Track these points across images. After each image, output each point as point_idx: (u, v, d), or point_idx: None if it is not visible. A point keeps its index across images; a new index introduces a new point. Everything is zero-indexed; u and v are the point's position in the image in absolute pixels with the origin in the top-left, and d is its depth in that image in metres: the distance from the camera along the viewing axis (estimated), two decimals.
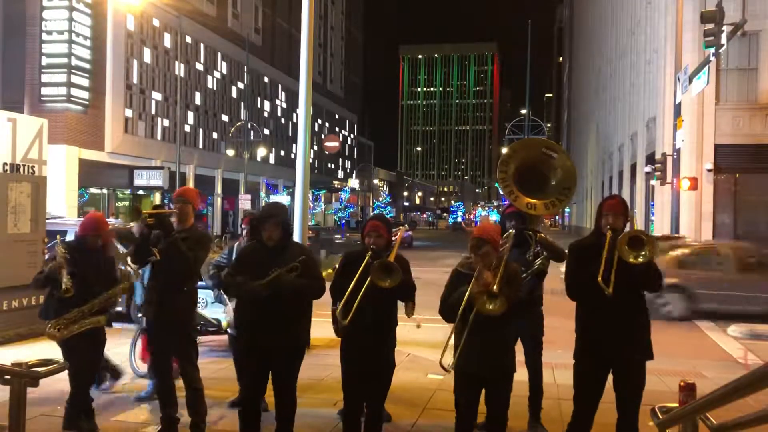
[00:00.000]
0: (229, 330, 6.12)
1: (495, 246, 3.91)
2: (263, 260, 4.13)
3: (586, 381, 4.01)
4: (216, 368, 6.92)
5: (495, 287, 3.66)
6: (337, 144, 54.51)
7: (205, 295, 7.89)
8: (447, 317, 3.94)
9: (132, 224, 4.71)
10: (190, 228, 4.74)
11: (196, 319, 5.07)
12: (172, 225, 4.58)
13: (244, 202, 35.04)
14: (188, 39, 36.91)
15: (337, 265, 4.84)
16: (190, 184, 36.48)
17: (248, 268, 4.18)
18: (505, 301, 3.66)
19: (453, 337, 3.95)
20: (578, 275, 3.98)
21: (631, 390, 3.91)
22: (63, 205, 24.84)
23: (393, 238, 4.40)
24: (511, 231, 4.90)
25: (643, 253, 3.71)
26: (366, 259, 4.08)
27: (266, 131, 47.50)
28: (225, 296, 6.43)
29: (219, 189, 41.34)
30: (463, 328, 3.85)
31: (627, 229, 4.02)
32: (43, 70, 27.16)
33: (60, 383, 4.83)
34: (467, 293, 3.76)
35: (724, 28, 16.37)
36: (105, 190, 31.89)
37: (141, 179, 32.31)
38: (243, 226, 6.11)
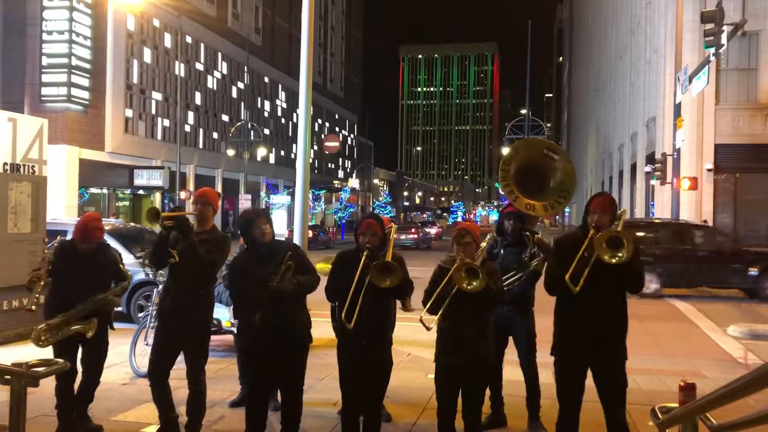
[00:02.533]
0: (235, 330, 6.10)
1: (476, 239, 4.07)
2: (257, 264, 4.14)
3: (564, 378, 4.03)
4: (216, 368, 6.92)
5: (475, 263, 3.82)
6: (337, 144, 54.52)
7: None
8: (425, 303, 4.06)
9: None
10: (210, 230, 4.70)
11: (212, 322, 5.05)
12: (191, 227, 4.53)
13: (245, 202, 35.03)
14: (188, 39, 36.91)
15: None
16: (190, 184, 36.50)
17: (244, 275, 4.19)
18: (485, 279, 3.76)
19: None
20: (557, 271, 3.99)
21: (610, 391, 3.92)
22: (63, 205, 24.85)
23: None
24: (492, 234, 4.97)
25: (620, 254, 3.67)
26: (363, 260, 4.04)
27: (266, 131, 47.51)
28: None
29: (219, 189, 41.26)
30: (443, 317, 3.97)
31: (612, 227, 4.01)
32: (43, 70, 27.18)
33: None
34: (447, 276, 3.87)
35: (724, 28, 16.38)
36: (105, 190, 31.90)
37: (141, 179, 32.32)
38: None
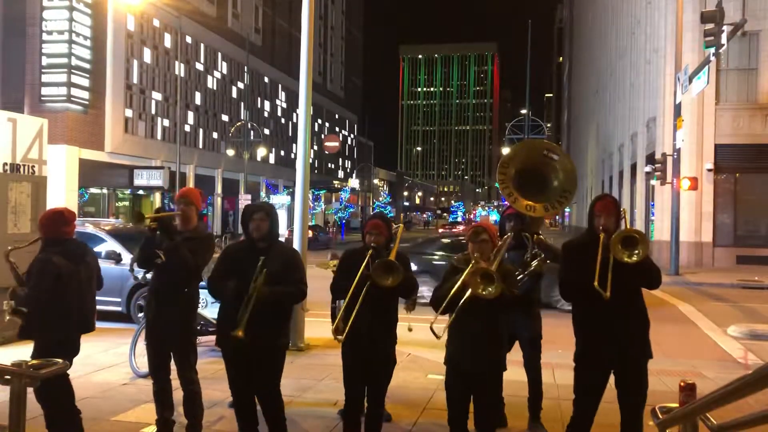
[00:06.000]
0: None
1: (492, 237, 3.98)
2: (249, 261, 4.04)
3: (586, 383, 3.98)
4: (216, 368, 6.92)
5: (491, 268, 3.71)
6: (337, 144, 54.53)
7: (205, 295, 7.88)
8: (436, 307, 3.95)
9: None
10: (193, 229, 4.70)
11: (196, 321, 5.04)
12: (175, 227, 4.56)
13: (244, 202, 35.04)
14: (188, 39, 36.90)
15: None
16: (190, 184, 36.47)
17: (234, 267, 4.13)
18: (501, 285, 3.64)
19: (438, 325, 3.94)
20: (572, 276, 3.97)
21: (634, 391, 3.90)
22: (63, 205, 24.85)
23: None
24: (510, 234, 4.92)
25: (636, 251, 3.70)
26: (366, 258, 4.08)
27: (266, 131, 47.49)
28: None
29: (219, 189, 41.33)
30: (453, 320, 3.86)
31: (621, 227, 4.01)
32: (43, 70, 27.16)
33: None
34: (460, 280, 3.76)
35: (724, 28, 16.38)
36: (105, 190, 31.89)
37: (141, 179, 32.31)
38: None
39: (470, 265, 3.81)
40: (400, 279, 3.94)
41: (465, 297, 3.73)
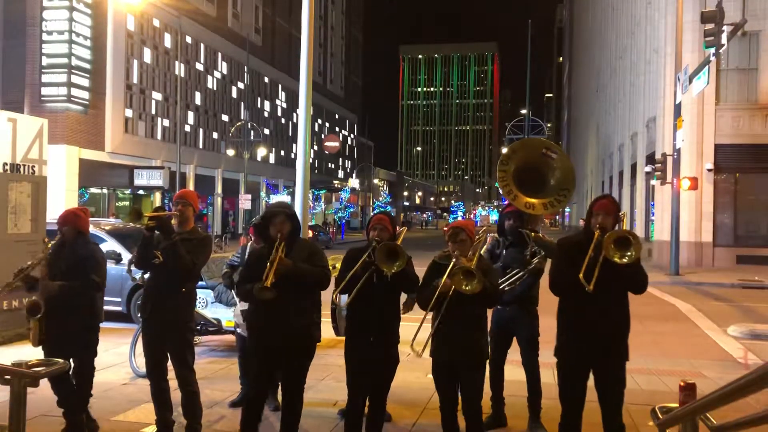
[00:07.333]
0: (238, 330, 6.09)
1: (470, 236, 4.14)
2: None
3: (567, 378, 4.03)
4: (216, 368, 6.92)
5: (471, 264, 3.90)
6: (337, 144, 54.55)
7: (205, 295, 7.89)
8: (423, 305, 4.12)
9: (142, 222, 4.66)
10: (191, 230, 4.72)
11: (194, 321, 5.05)
12: (173, 227, 4.57)
13: (244, 202, 35.05)
14: (188, 39, 36.90)
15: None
16: (190, 184, 36.49)
17: (259, 272, 4.13)
18: (482, 280, 3.82)
19: (429, 325, 4.15)
20: (563, 272, 3.99)
21: (612, 389, 3.93)
22: (63, 205, 24.84)
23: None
24: (484, 227, 4.98)
25: (629, 253, 3.71)
26: (369, 250, 4.13)
27: (266, 131, 47.48)
28: (233, 297, 6.40)
29: (219, 189, 41.33)
30: (437, 315, 4.04)
31: (617, 228, 4.02)
32: (43, 70, 27.19)
33: None
34: (444, 277, 3.93)
35: (724, 28, 16.38)
36: (105, 190, 31.90)
37: (141, 179, 32.33)
38: (251, 235, 6.05)
39: (452, 263, 3.99)
40: (405, 263, 3.99)
41: (450, 294, 3.92)
